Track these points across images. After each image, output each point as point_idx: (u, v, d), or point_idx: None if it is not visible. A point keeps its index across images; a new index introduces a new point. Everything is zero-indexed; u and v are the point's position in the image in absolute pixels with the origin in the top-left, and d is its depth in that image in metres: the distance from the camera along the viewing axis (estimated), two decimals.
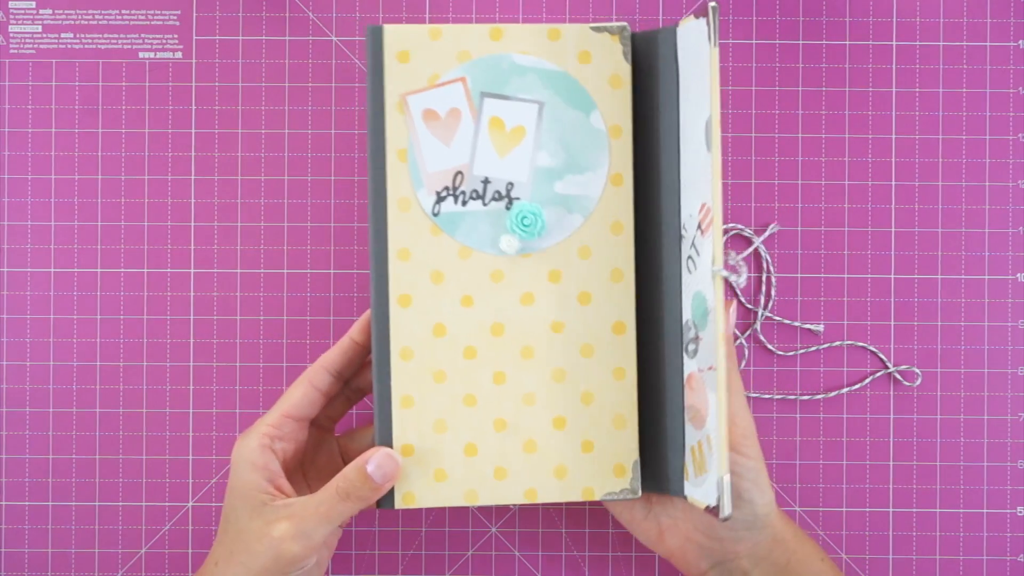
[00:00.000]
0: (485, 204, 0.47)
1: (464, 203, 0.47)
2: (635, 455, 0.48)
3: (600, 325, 0.47)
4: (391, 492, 0.46)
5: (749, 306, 0.55)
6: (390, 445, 0.46)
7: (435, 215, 0.47)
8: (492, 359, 0.47)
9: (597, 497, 0.48)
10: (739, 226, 0.55)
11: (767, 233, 0.55)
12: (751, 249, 0.53)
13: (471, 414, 0.47)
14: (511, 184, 0.47)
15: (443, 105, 0.46)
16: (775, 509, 0.46)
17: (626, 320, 0.47)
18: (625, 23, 0.47)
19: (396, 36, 0.46)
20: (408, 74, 0.46)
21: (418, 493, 0.47)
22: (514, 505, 0.55)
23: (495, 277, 0.47)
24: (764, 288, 0.55)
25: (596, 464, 0.47)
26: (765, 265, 0.54)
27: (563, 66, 0.47)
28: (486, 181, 0.47)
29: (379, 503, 0.46)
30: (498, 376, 0.47)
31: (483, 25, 0.47)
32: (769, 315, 0.55)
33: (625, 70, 0.47)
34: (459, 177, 0.47)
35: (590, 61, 0.47)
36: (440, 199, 0.47)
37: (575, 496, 0.47)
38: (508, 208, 0.47)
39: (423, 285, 0.47)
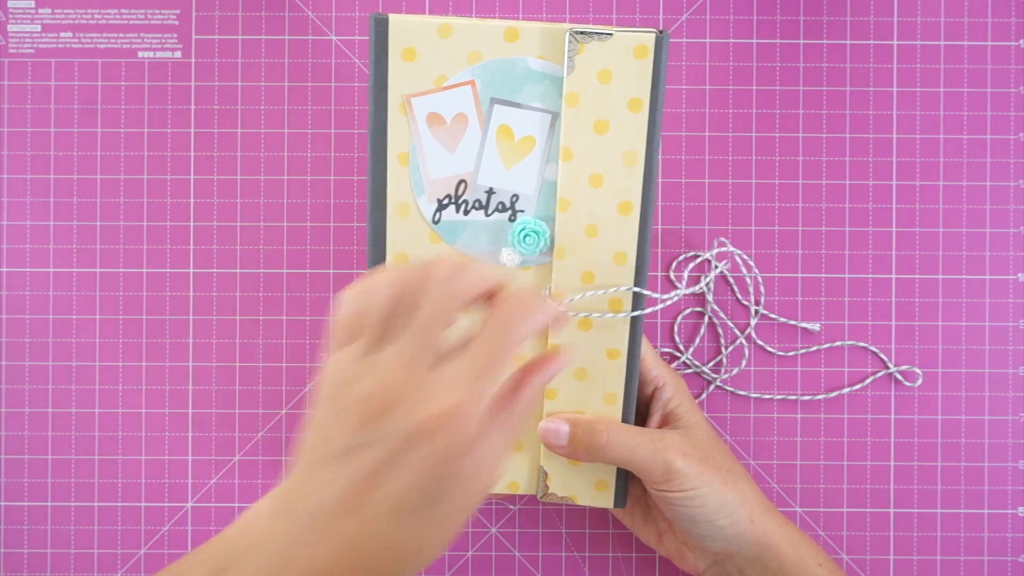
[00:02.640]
0: (488, 215, 0.45)
1: (466, 212, 0.45)
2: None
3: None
4: None
5: (745, 302, 0.55)
6: None
7: (435, 223, 0.45)
8: None
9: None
10: (697, 252, 0.55)
11: (716, 251, 0.54)
12: (712, 275, 0.53)
13: None
14: (516, 196, 0.45)
15: (449, 109, 0.44)
16: (749, 517, 0.46)
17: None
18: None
19: (402, 30, 0.43)
20: (413, 74, 0.44)
21: None
22: (513, 506, 0.55)
23: None
24: (752, 289, 0.55)
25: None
26: (749, 268, 0.54)
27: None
28: (490, 192, 0.45)
29: None
30: None
31: (498, 23, 0.43)
32: (765, 313, 0.55)
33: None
34: (462, 186, 0.45)
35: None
36: (441, 207, 0.45)
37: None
38: (512, 220, 0.45)
39: None
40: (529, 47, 0.44)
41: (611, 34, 0.43)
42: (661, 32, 0.43)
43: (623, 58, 0.43)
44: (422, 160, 0.45)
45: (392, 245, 0.45)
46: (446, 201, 0.45)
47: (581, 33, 0.43)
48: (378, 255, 0.45)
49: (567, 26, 0.43)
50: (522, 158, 0.45)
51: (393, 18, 0.43)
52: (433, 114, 0.44)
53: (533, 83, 0.44)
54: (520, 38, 0.43)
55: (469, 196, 0.45)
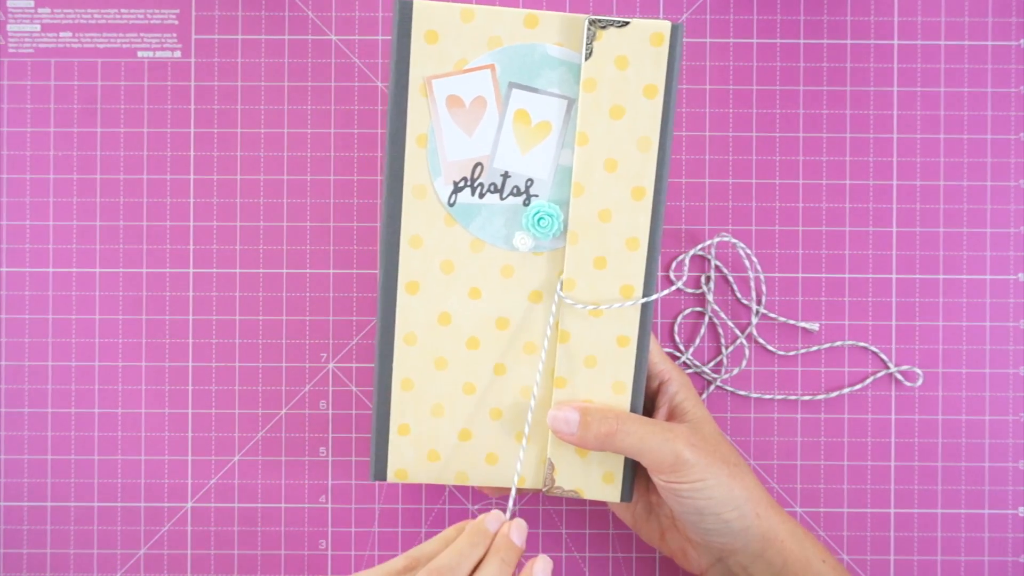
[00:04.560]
0: (503, 198, 0.46)
1: (481, 195, 0.46)
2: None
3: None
4: (384, 465, 0.47)
5: (745, 301, 0.55)
6: (387, 425, 0.47)
7: (451, 205, 0.46)
8: (494, 351, 0.47)
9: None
10: (690, 250, 0.55)
11: (717, 240, 0.54)
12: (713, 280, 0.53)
13: (469, 401, 0.47)
14: (531, 180, 0.46)
15: (469, 92, 0.45)
16: (755, 512, 0.46)
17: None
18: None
19: (425, 14, 0.44)
20: (435, 56, 0.44)
21: (411, 470, 0.48)
22: (514, 506, 0.55)
23: (505, 272, 0.46)
24: (753, 287, 0.55)
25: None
26: (751, 265, 0.54)
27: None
28: (506, 175, 0.46)
29: (375, 476, 0.47)
30: (499, 368, 0.47)
31: (518, 10, 0.45)
32: (766, 312, 0.55)
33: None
34: (478, 168, 0.46)
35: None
36: (457, 189, 0.46)
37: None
38: (526, 205, 0.46)
39: (432, 274, 0.46)
40: (548, 34, 0.45)
41: (628, 22, 0.44)
42: (676, 24, 0.45)
43: (640, 45, 0.44)
44: (440, 142, 0.45)
45: (407, 227, 0.46)
46: (462, 184, 0.46)
47: (599, 21, 0.44)
48: (392, 237, 0.46)
49: (584, 16, 0.45)
50: (538, 142, 0.45)
51: (417, 2, 0.44)
52: (453, 96, 0.45)
53: (551, 69, 0.45)
54: (540, 25, 0.45)
55: (485, 179, 0.46)
